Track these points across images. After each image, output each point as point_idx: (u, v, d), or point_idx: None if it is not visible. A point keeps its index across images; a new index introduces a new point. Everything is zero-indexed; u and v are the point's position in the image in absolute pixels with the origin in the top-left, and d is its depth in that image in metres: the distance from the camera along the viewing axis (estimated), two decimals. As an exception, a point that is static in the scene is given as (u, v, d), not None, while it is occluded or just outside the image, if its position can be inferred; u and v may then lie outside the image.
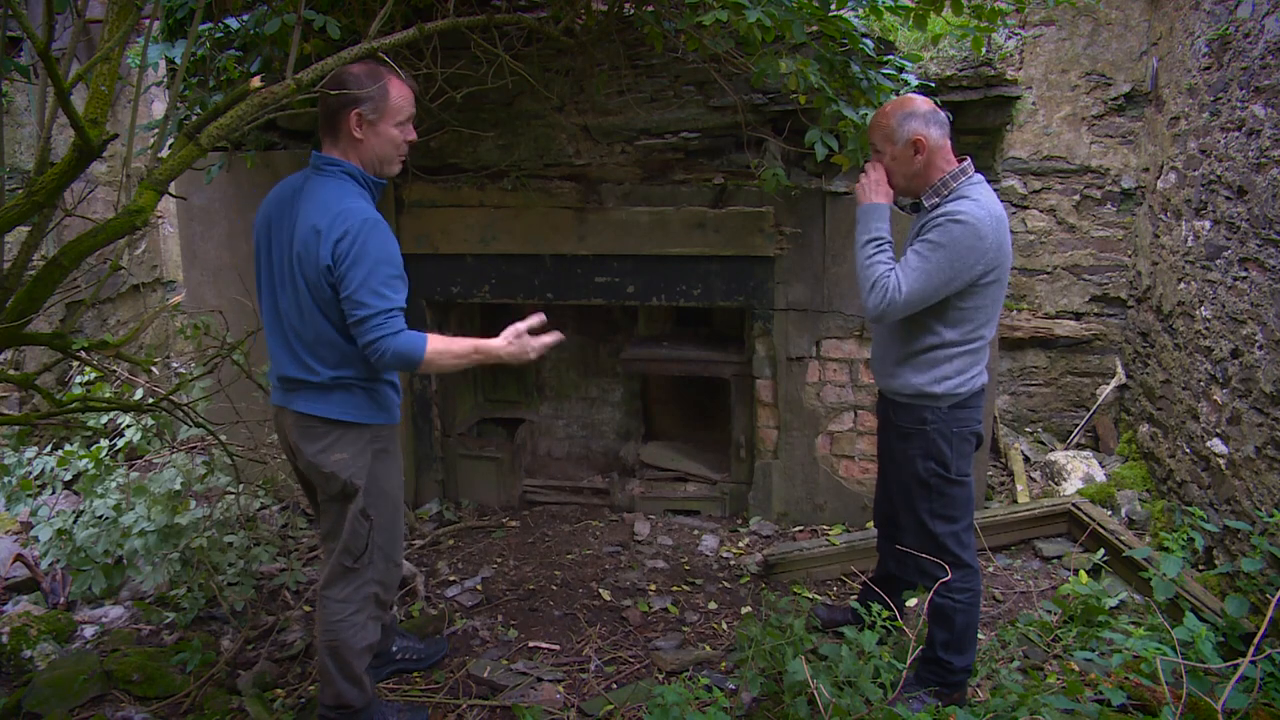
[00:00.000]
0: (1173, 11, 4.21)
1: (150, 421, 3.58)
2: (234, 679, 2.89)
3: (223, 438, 3.22)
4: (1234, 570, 3.10)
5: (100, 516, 3.15)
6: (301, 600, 3.37)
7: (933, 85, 3.32)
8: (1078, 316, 4.87)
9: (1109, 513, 3.95)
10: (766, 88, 3.40)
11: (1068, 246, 4.80)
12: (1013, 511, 3.81)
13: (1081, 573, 3.17)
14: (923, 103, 2.48)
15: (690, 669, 2.94)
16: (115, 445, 3.55)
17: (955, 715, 2.18)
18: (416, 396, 4.14)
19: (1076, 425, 4.90)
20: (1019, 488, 4.25)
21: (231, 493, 3.39)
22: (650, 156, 3.68)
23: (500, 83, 3.09)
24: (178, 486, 3.18)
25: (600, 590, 3.48)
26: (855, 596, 3.23)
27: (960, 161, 2.49)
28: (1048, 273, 4.84)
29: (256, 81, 2.05)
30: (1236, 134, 3.41)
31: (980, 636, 2.84)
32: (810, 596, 3.41)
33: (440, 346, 2.20)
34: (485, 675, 2.89)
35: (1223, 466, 3.40)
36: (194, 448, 4.01)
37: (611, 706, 2.71)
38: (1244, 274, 3.31)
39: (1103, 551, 3.42)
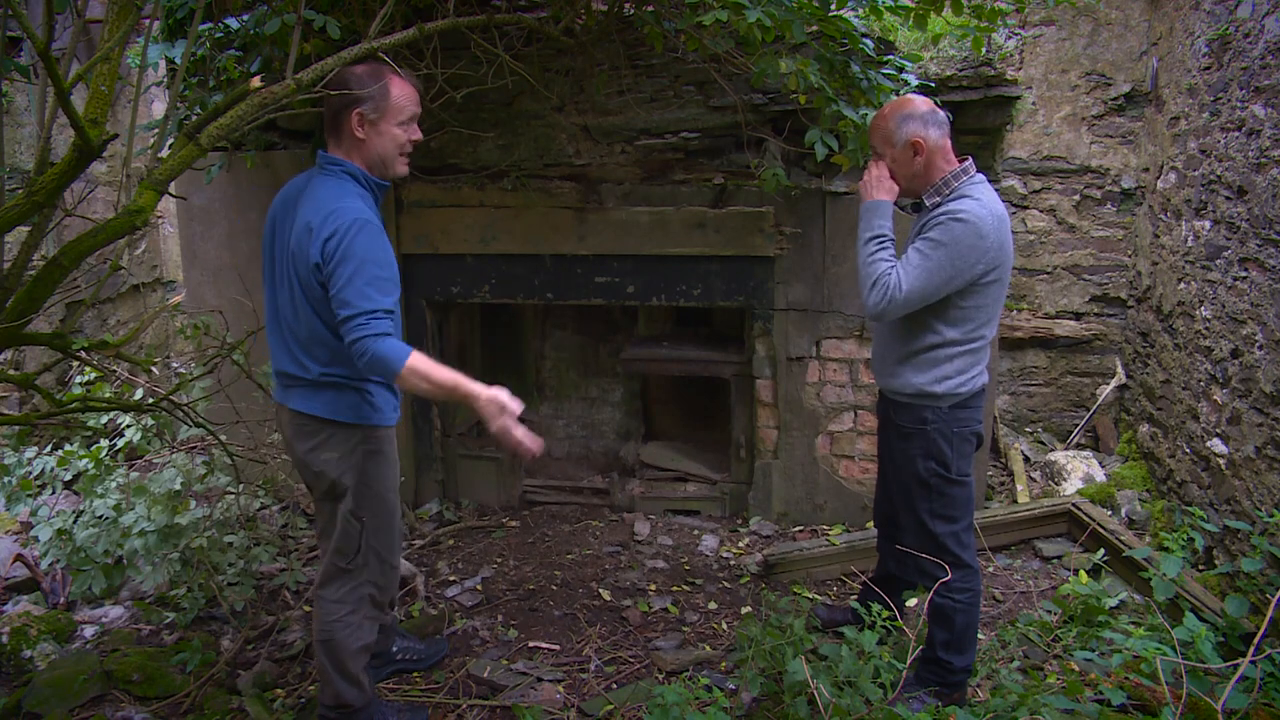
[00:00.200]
0: (1173, 11, 4.22)
1: (150, 421, 3.58)
2: (234, 679, 2.89)
3: (223, 438, 3.21)
4: (1234, 570, 3.10)
5: (100, 516, 3.15)
6: (301, 600, 3.37)
7: (933, 85, 3.32)
8: (1078, 316, 4.87)
9: (1109, 513, 3.95)
10: (766, 88, 3.40)
11: (1068, 246, 4.80)
12: (1013, 511, 3.81)
13: (1081, 573, 3.17)
14: (921, 103, 2.48)
15: (690, 669, 2.94)
16: (115, 445, 3.55)
17: (955, 715, 2.18)
18: (417, 396, 4.13)
19: (1076, 425, 4.90)
20: (1019, 488, 4.25)
21: (231, 493, 3.39)
22: (650, 156, 3.68)
23: (500, 83, 3.09)
24: (178, 486, 3.18)
25: (600, 590, 3.48)
26: (855, 596, 3.23)
27: (961, 161, 2.49)
28: (1048, 273, 4.84)
29: (256, 81, 2.05)
30: (1236, 134, 3.41)
31: (980, 636, 2.84)
32: (810, 596, 3.41)
33: (422, 367, 2.09)
34: (485, 675, 2.89)
35: (1223, 466, 3.40)
36: (194, 448, 4.01)
37: (611, 706, 2.71)
38: (1244, 274, 3.31)
39: (1103, 551, 3.42)
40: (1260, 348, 3.16)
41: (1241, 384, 3.29)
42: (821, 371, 3.82)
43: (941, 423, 2.52)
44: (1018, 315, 4.88)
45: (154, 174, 1.93)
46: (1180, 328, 3.97)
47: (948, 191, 2.45)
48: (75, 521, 3.15)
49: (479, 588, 3.52)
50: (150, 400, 2.89)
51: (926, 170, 2.47)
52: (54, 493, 3.50)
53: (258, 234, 3.90)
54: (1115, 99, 4.61)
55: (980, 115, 3.48)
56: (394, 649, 2.92)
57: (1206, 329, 3.64)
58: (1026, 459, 4.60)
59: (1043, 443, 4.87)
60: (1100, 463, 4.49)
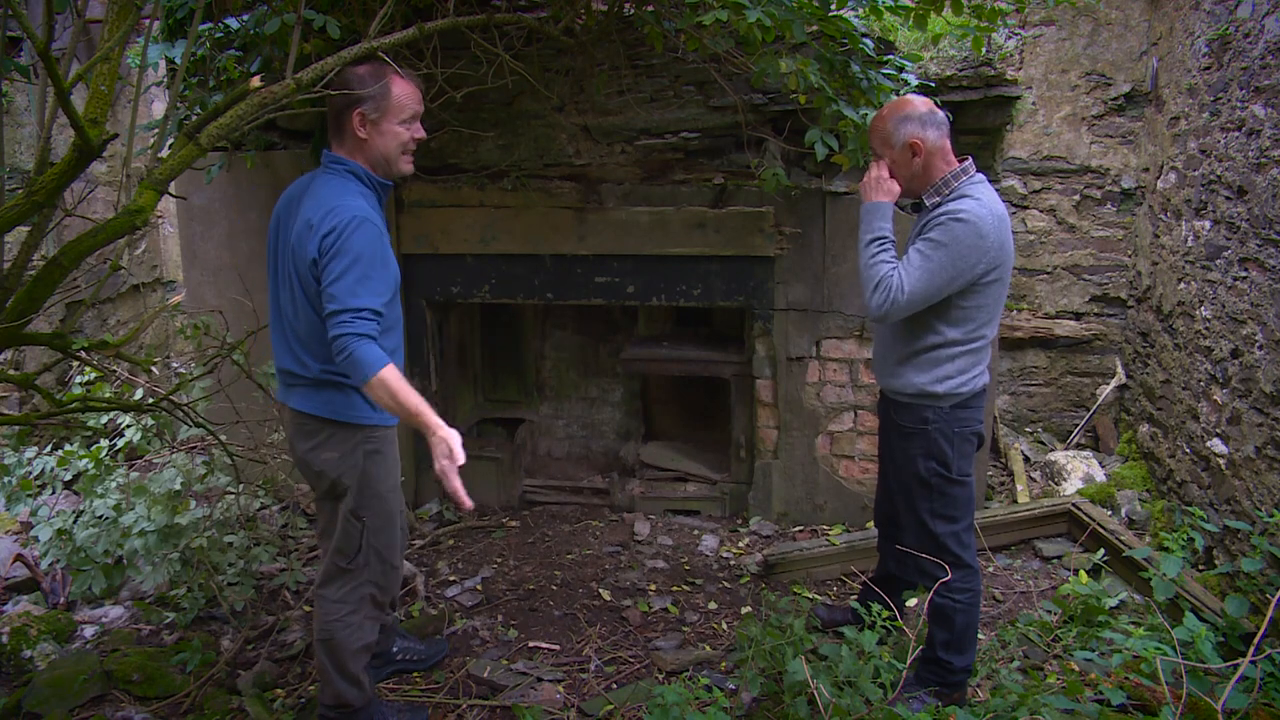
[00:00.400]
0: (1173, 11, 4.21)
1: (150, 421, 3.58)
2: (234, 679, 2.89)
3: (223, 438, 3.21)
4: (1234, 570, 3.10)
5: (100, 516, 3.15)
6: (301, 600, 3.37)
7: (933, 85, 3.32)
8: (1078, 316, 4.87)
9: (1109, 513, 3.95)
10: (766, 88, 3.40)
11: (1068, 246, 4.80)
12: (1013, 511, 3.81)
13: (1081, 573, 3.16)
14: (920, 104, 2.48)
15: (690, 669, 2.94)
16: (115, 445, 3.55)
17: (955, 715, 2.18)
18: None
19: (1076, 425, 4.90)
20: (1019, 488, 4.25)
21: (231, 493, 3.39)
22: (650, 156, 3.68)
23: (500, 83, 3.09)
24: (178, 486, 3.18)
25: (600, 590, 3.48)
26: (855, 596, 3.23)
27: (961, 161, 2.49)
28: (1048, 273, 4.84)
29: (256, 81, 2.05)
30: (1236, 134, 3.41)
31: (980, 636, 2.84)
32: (810, 596, 3.41)
33: (392, 382, 2.05)
34: (485, 675, 2.89)
35: (1223, 466, 3.40)
36: (194, 448, 4.01)
37: (611, 706, 2.71)
38: (1244, 274, 3.31)
39: (1103, 551, 3.42)
40: (1260, 348, 3.16)
41: (1241, 384, 3.29)
42: (821, 371, 3.82)
43: (942, 422, 2.52)
44: (1018, 315, 4.88)
45: (154, 174, 1.93)
46: (1180, 328, 3.97)
47: (947, 191, 2.45)
48: (75, 521, 3.15)
49: (479, 588, 3.52)
50: (150, 400, 2.89)
51: (925, 171, 2.48)
52: (54, 493, 3.50)
53: (258, 234, 3.92)
54: (1115, 99, 4.61)
55: (980, 115, 3.48)
56: (394, 649, 2.92)
57: (1206, 329, 3.64)
58: (1026, 459, 4.60)
59: (1043, 443, 4.87)
60: (1100, 463, 4.49)
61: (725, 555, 3.78)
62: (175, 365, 5.48)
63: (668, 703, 2.29)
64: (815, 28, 2.79)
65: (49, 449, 3.55)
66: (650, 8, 3.02)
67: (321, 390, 2.33)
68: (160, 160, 1.98)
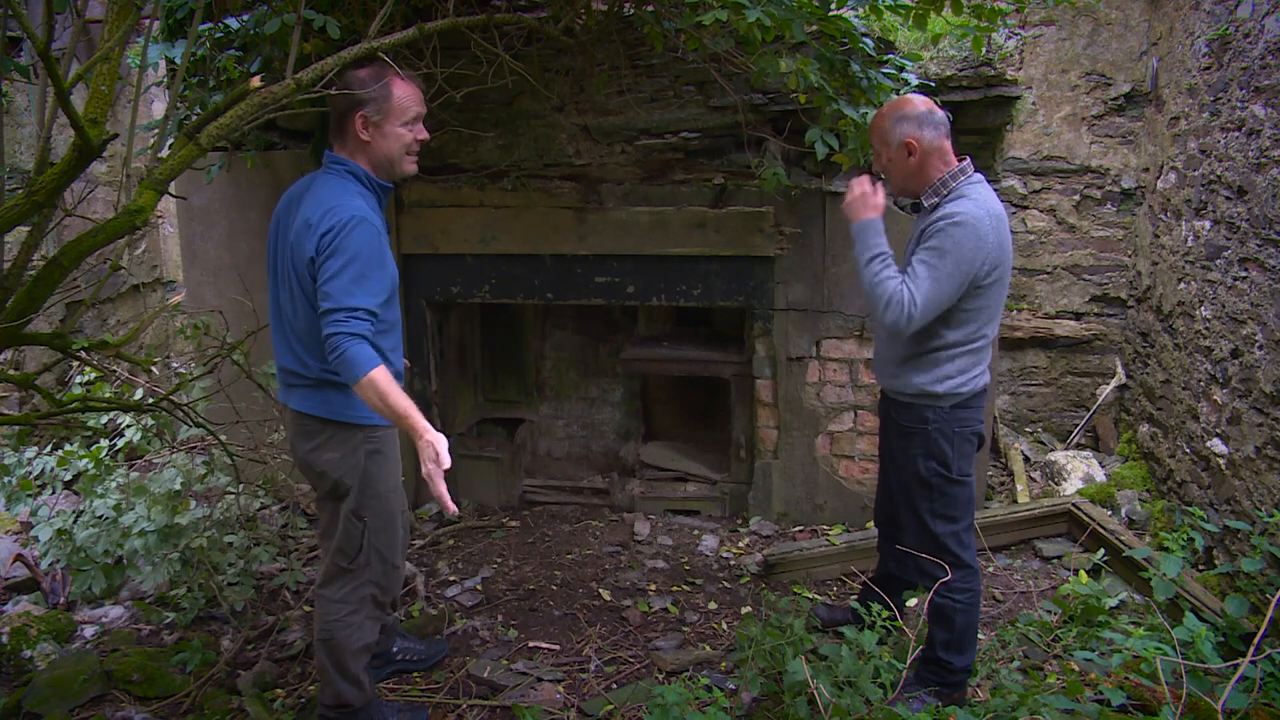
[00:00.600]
0: (1173, 11, 4.21)
1: (150, 421, 3.58)
2: (234, 679, 2.89)
3: (223, 438, 3.21)
4: (1234, 570, 3.10)
5: (100, 516, 3.15)
6: (301, 600, 3.37)
7: (933, 85, 3.32)
8: (1078, 316, 4.87)
9: (1109, 513, 3.95)
10: (766, 87, 3.40)
11: (1068, 246, 4.80)
12: (1013, 511, 3.81)
13: (1081, 573, 3.16)
14: (919, 103, 2.48)
15: (690, 669, 2.94)
16: (115, 445, 3.55)
17: (955, 715, 2.18)
18: (416, 396, 4.13)
19: (1076, 425, 4.90)
20: (1019, 488, 4.25)
21: (231, 493, 3.39)
22: (650, 156, 3.68)
23: (500, 83, 3.09)
24: (178, 486, 3.18)
25: (600, 590, 3.48)
26: (855, 596, 3.23)
27: (960, 161, 2.48)
28: (1048, 273, 4.84)
29: (256, 81, 2.05)
30: (1236, 134, 3.41)
31: (980, 636, 2.84)
32: (810, 596, 3.41)
33: (382, 384, 2.04)
34: (485, 675, 2.89)
35: (1223, 466, 3.40)
36: (194, 448, 4.01)
37: (611, 706, 2.71)
38: (1244, 274, 3.31)
39: (1103, 551, 3.42)
40: (1260, 348, 3.16)
41: (1241, 384, 3.29)
42: (821, 371, 3.82)
43: (942, 422, 2.52)
44: (1018, 315, 4.88)
45: (154, 174, 1.93)
46: (1180, 328, 3.97)
47: (945, 192, 2.45)
48: (75, 521, 3.15)
49: (479, 588, 3.52)
50: (150, 400, 2.89)
51: (921, 170, 2.47)
52: (54, 493, 3.50)
53: (258, 234, 3.92)
54: (1115, 99, 4.61)
55: (980, 115, 3.48)
56: (394, 649, 2.92)
57: (1206, 329, 3.64)
58: (1026, 459, 4.60)
59: (1043, 443, 4.87)
60: (1100, 463, 4.49)
61: (725, 555, 3.78)
62: (175, 365, 5.48)
63: (668, 703, 2.29)
64: (815, 27, 2.79)
65: (49, 449, 3.55)
66: (650, 8, 3.02)
67: (322, 390, 2.33)
68: (160, 160, 1.98)
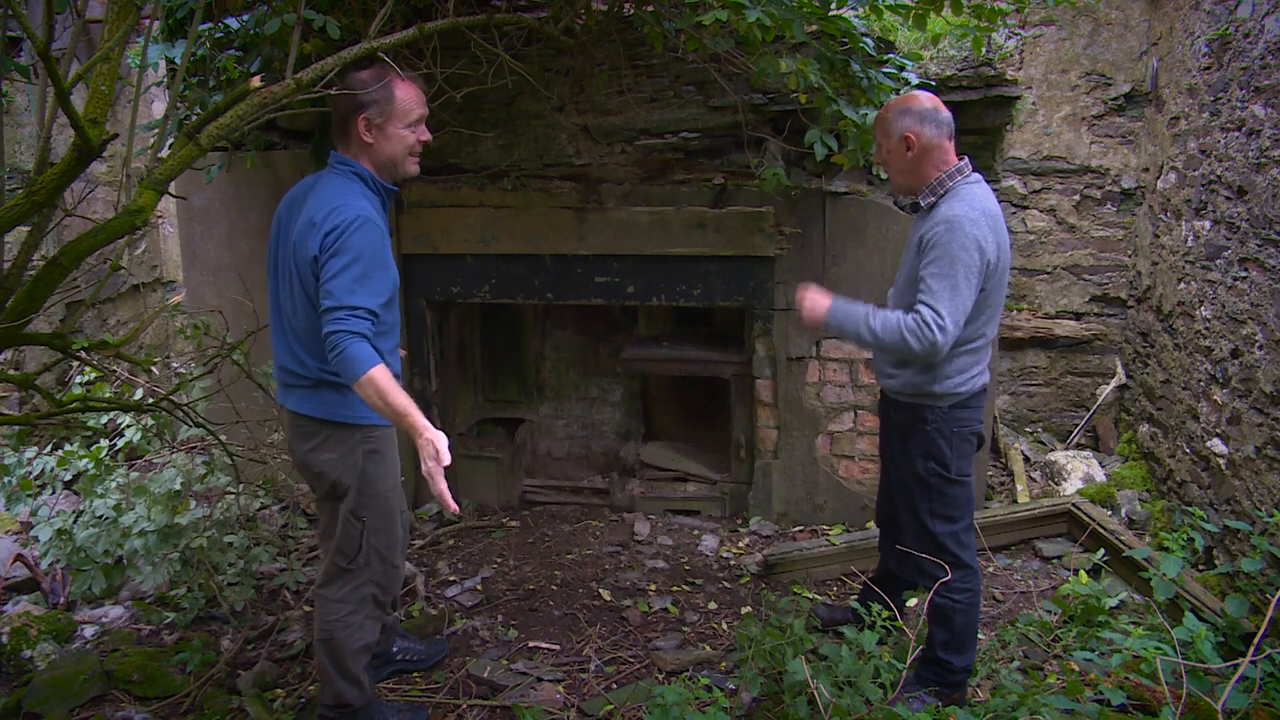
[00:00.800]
0: (1173, 11, 4.21)
1: (150, 421, 3.58)
2: (234, 679, 2.89)
3: (223, 438, 3.21)
4: (1234, 570, 3.10)
5: (100, 516, 3.15)
6: (301, 600, 3.37)
7: (933, 85, 3.32)
8: (1078, 316, 4.87)
9: (1109, 513, 3.95)
10: (766, 87, 3.40)
11: (1068, 246, 4.80)
12: (1013, 511, 3.81)
13: (1081, 573, 3.16)
14: (925, 100, 2.48)
15: (690, 669, 2.94)
16: (115, 445, 3.55)
17: (955, 715, 2.18)
18: (416, 396, 4.12)
19: (1076, 425, 4.90)
20: (1019, 488, 4.24)
21: (231, 493, 3.39)
22: (650, 156, 3.68)
23: (500, 83, 3.09)
24: (178, 486, 3.18)
25: (600, 590, 3.48)
26: (855, 596, 3.23)
27: (959, 161, 2.48)
28: (1048, 273, 4.84)
29: (256, 81, 2.05)
30: (1236, 134, 3.41)
31: (980, 636, 2.84)
32: (810, 596, 3.41)
33: (381, 382, 2.04)
34: (485, 675, 2.89)
35: (1223, 466, 3.40)
36: (194, 448, 4.01)
37: (611, 706, 2.71)
38: (1244, 274, 3.31)
39: (1103, 551, 3.42)
40: (1260, 348, 3.16)
41: (1241, 384, 3.29)
42: (821, 371, 3.82)
43: (941, 422, 2.52)
44: (1018, 315, 4.88)
45: (154, 174, 1.93)
46: (1180, 328, 3.97)
47: (942, 192, 2.45)
48: (75, 521, 3.15)
49: (479, 588, 3.52)
50: (150, 400, 2.89)
51: (918, 166, 2.47)
52: (54, 493, 3.50)
53: (258, 234, 3.92)
54: (1115, 99, 4.61)
55: (980, 115, 3.48)
56: (394, 649, 2.92)
57: (1206, 329, 3.64)
58: (1026, 459, 4.60)
59: (1043, 443, 4.87)
60: (1100, 463, 4.49)
61: (725, 555, 3.78)
62: (175, 365, 5.48)
63: (668, 703, 2.29)
64: (815, 27, 2.79)
65: (49, 449, 3.55)
66: (650, 8, 3.02)
67: (319, 391, 2.33)
68: (160, 160, 1.98)
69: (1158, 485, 4.12)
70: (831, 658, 2.40)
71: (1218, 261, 3.55)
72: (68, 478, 3.33)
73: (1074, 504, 3.78)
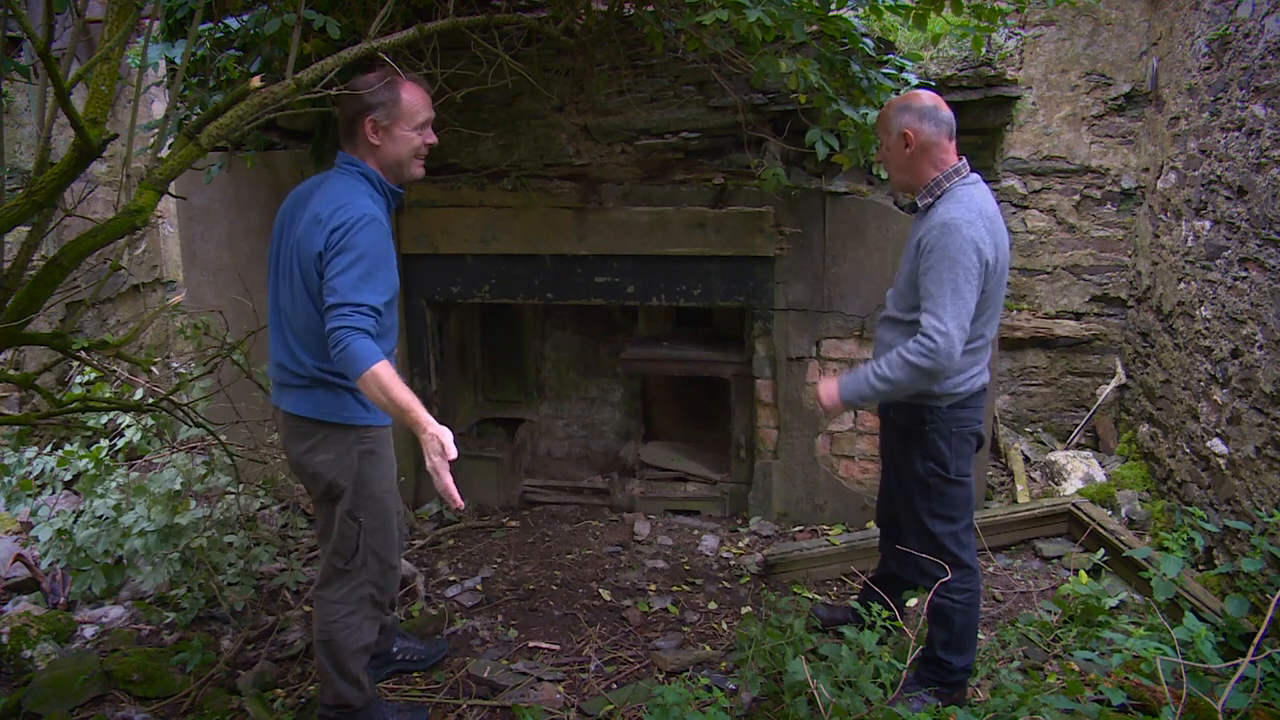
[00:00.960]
0: (1173, 11, 4.21)
1: (150, 421, 3.58)
2: (234, 679, 2.89)
3: (223, 438, 3.22)
4: (1234, 570, 3.10)
5: (100, 516, 3.15)
6: (301, 600, 3.37)
7: (933, 85, 3.32)
8: (1078, 316, 4.87)
9: (1109, 513, 3.95)
10: (766, 88, 3.40)
11: (1068, 246, 4.80)
12: (1013, 511, 3.81)
13: (1081, 573, 3.16)
14: (926, 98, 2.48)
15: (690, 669, 2.94)
16: (115, 445, 3.55)
17: (955, 715, 2.18)
18: (416, 396, 4.13)
19: (1076, 425, 4.90)
20: (1019, 488, 4.24)
21: (231, 493, 3.39)
22: (650, 156, 3.68)
23: (500, 83, 3.09)
24: (178, 486, 3.18)
25: (600, 590, 3.48)
26: (855, 596, 3.23)
27: (958, 161, 2.48)
28: (1048, 273, 4.84)
29: (256, 81, 2.05)
30: (1236, 134, 3.41)
31: (980, 636, 2.84)
32: (810, 596, 3.41)
33: (385, 378, 2.03)
34: (485, 675, 2.89)
35: (1223, 466, 3.40)
36: (194, 448, 4.01)
37: (611, 706, 2.71)
38: (1244, 274, 3.31)
39: (1103, 551, 3.42)
40: (1260, 348, 3.16)
41: (1241, 384, 3.29)
42: (821, 371, 3.82)
43: (940, 423, 2.52)
44: (1018, 315, 4.88)
45: (154, 174, 1.93)
46: (1180, 328, 3.97)
47: (939, 193, 2.45)
48: (75, 521, 3.15)
49: (479, 588, 3.52)
50: (150, 400, 2.89)
51: (916, 164, 2.46)
52: (54, 493, 3.50)
53: (258, 234, 3.92)
54: (1115, 99, 4.61)
55: (980, 115, 3.48)
56: (394, 649, 2.92)
57: (1206, 329, 3.64)
58: (1026, 459, 4.60)
59: (1043, 443, 4.87)
60: (1100, 463, 4.49)
61: (725, 555, 3.78)
62: (175, 365, 5.48)
63: (668, 703, 2.29)
64: (815, 27, 2.79)
65: (49, 449, 3.55)
66: (650, 8, 3.02)
67: (314, 391, 2.33)
68: (160, 160, 1.98)
69: (1158, 485, 4.12)
70: (831, 658, 2.40)
71: (1218, 261, 3.55)
72: (68, 478, 3.33)
73: (1074, 504, 3.78)
